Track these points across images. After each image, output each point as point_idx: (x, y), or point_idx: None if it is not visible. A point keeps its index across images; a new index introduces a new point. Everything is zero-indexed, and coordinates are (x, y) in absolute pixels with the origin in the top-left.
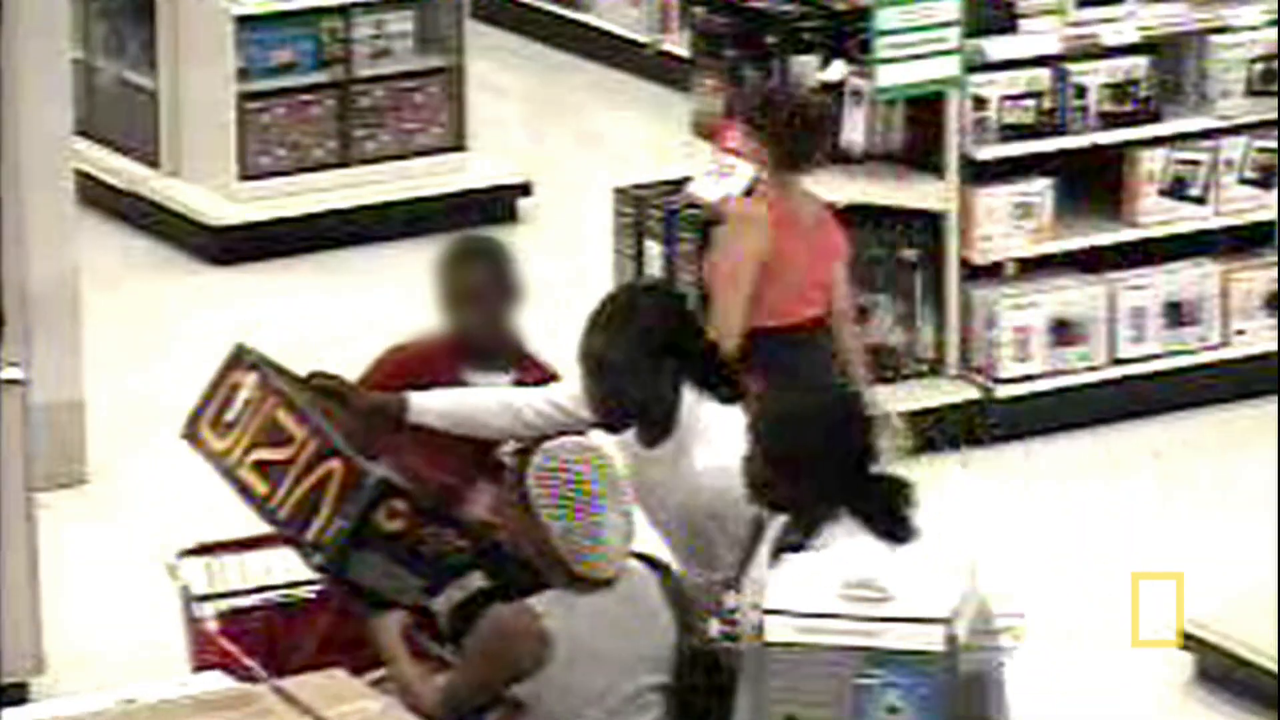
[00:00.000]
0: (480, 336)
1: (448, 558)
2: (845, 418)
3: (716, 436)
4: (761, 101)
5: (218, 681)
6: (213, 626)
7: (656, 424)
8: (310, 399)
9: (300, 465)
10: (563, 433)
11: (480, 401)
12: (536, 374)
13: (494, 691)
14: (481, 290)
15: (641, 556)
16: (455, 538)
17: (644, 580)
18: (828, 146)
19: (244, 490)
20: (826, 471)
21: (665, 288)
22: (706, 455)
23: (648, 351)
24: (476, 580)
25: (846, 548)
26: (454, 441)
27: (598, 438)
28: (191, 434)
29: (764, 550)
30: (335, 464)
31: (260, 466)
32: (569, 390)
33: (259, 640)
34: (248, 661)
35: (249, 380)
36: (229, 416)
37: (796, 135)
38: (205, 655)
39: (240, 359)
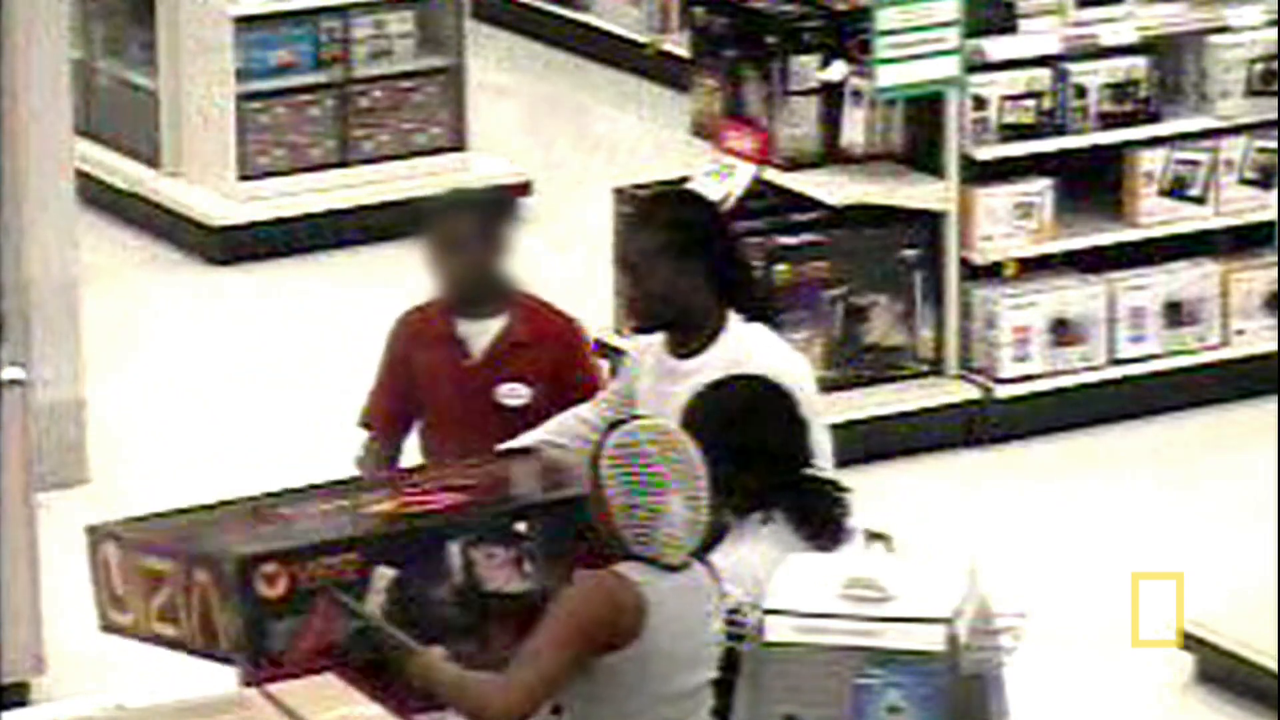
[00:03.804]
0: (465, 284)
1: (340, 583)
2: (779, 413)
3: (761, 361)
4: None
5: (208, 686)
6: None
7: (692, 333)
8: (181, 526)
9: (180, 590)
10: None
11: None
12: (531, 317)
13: (583, 664)
14: (463, 238)
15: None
16: (336, 561)
17: (707, 578)
18: None
19: (165, 643)
20: (762, 467)
21: (697, 193)
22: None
23: (678, 249)
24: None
25: (769, 549)
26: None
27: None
28: (107, 623)
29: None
30: (201, 575)
31: (164, 615)
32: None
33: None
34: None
35: (110, 550)
36: (119, 592)
37: None
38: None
39: (96, 535)
